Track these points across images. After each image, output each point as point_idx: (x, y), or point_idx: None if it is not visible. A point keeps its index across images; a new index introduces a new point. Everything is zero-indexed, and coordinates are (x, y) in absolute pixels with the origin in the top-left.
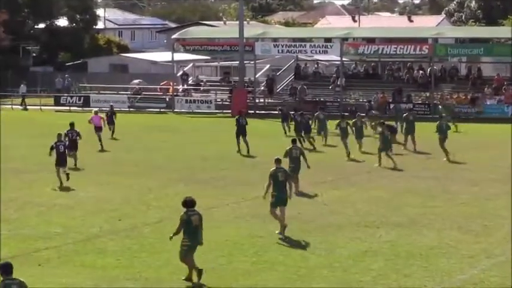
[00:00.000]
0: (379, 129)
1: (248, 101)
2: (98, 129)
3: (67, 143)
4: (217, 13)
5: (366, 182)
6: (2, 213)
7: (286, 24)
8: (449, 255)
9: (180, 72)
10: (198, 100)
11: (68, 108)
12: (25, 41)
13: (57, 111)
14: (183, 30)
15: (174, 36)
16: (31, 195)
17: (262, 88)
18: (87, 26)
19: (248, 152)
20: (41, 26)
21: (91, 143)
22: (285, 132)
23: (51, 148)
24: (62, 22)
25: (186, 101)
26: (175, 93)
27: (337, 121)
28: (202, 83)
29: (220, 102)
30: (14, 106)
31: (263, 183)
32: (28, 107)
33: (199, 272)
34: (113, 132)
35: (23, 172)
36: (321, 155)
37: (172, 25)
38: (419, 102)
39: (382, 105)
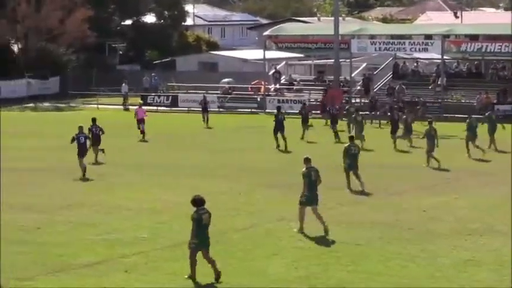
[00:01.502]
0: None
1: (344, 101)
2: (141, 121)
3: (90, 137)
4: (311, 9)
5: (467, 187)
6: (88, 217)
7: (384, 20)
8: None
9: (272, 71)
10: (290, 100)
11: (155, 108)
12: (111, 39)
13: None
14: (276, 27)
15: (265, 33)
16: (118, 198)
17: (358, 88)
18: (176, 23)
19: (286, 148)
20: (128, 22)
21: (175, 146)
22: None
23: (73, 139)
24: (150, 18)
25: (278, 101)
26: (267, 93)
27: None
28: (295, 82)
29: (315, 102)
30: (99, 106)
31: (359, 188)
32: (114, 106)
33: (193, 273)
34: (207, 121)
35: (109, 175)
36: (418, 159)
37: (264, 21)
38: None
39: (486, 106)
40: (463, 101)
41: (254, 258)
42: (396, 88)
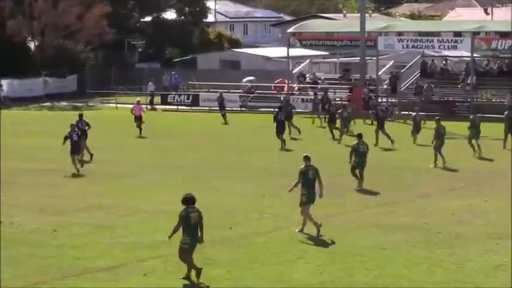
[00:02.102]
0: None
1: (370, 100)
2: (138, 118)
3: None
4: (337, 5)
5: (499, 190)
6: (105, 219)
7: (412, 16)
8: None
9: (296, 70)
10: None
11: (175, 107)
12: (130, 36)
13: (164, 110)
14: (300, 24)
15: (289, 30)
16: (135, 200)
17: (385, 86)
18: (197, 19)
19: (283, 146)
20: (148, 19)
21: (195, 146)
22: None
23: (65, 138)
24: (170, 15)
25: (302, 100)
26: (290, 92)
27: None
28: (319, 81)
29: (340, 102)
30: (118, 105)
31: (384, 190)
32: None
33: (199, 272)
34: (224, 116)
35: (125, 176)
36: (449, 160)
37: (288, 18)
38: None
39: None
40: (494, 100)
41: (278, 263)
42: (424, 87)
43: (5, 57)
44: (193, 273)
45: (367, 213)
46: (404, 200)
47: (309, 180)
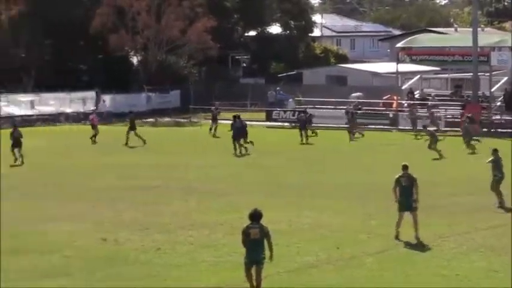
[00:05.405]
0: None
1: (482, 117)
2: (94, 127)
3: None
4: (448, 18)
5: None
6: (209, 238)
7: None
8: None
9: (406, 86)
10: (425, 117)
11: (280, 124)
12: (234, 50)
13: (268, 127)
14: (409, 38)
15: (398, 44)
16: (242, 218)
17: (498, 104)
18: (302, 34)
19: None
20: (252, 33)
21: (301, 164)
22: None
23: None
24: (275, 29)
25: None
26: (399, 109)
27: None
28: (430, 98)
29: (451, 119)
30: (223, 121)
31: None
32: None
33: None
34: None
35: (228, 194)
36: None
37: (397, 32)
38: None
39: None
40: None
41: (387, 282)
42: None
43: (108, 72)
44: None
45: (479, 234)
46: None
47: (402, 188)
